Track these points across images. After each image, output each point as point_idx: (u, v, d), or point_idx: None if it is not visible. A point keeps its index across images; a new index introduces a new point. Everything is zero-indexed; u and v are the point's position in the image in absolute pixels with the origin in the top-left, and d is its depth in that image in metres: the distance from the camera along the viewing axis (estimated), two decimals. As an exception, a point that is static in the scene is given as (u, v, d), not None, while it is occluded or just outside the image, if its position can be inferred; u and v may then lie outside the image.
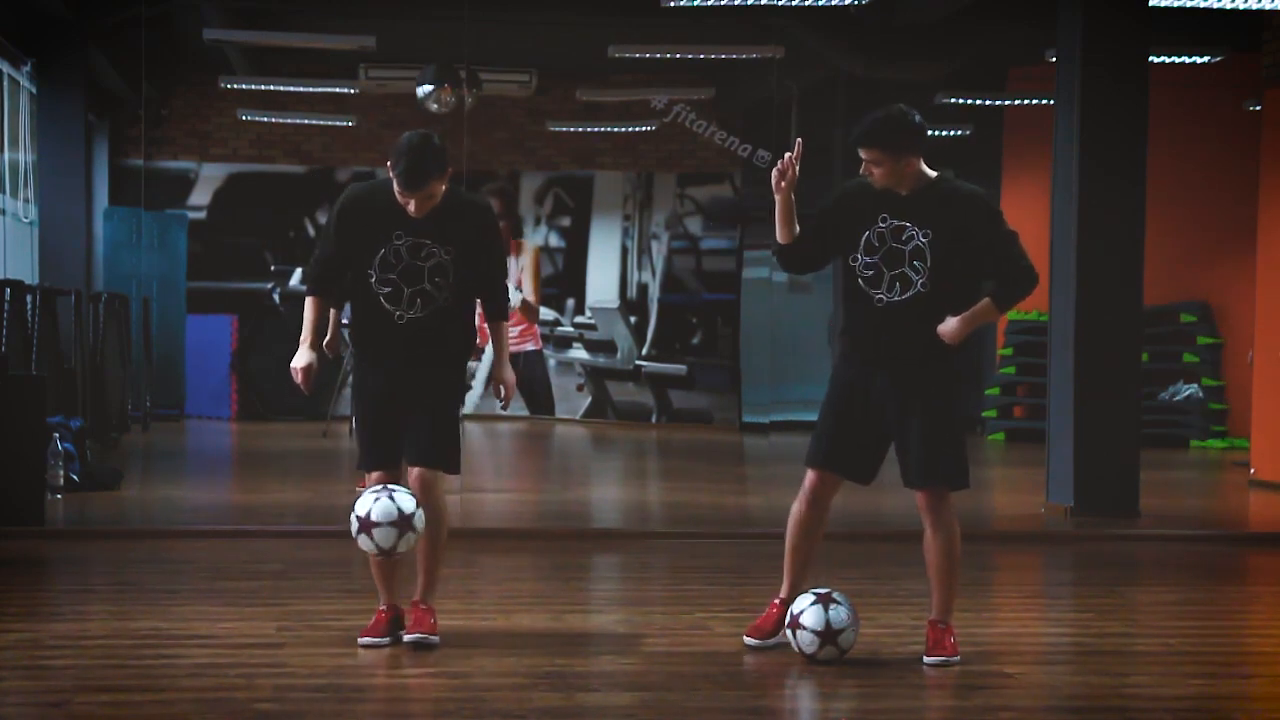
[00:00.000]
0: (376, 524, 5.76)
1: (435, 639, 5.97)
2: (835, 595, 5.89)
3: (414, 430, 6.01)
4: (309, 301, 6.13)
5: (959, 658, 5.90)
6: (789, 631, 5.89)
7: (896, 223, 5.99)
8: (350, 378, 15.23)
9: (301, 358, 6.08)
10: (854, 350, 6.10)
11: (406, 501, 5.80)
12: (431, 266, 5.95)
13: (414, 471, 6.01)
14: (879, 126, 5.91)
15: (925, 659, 5.91)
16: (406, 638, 5.96)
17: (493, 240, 6.12)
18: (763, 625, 6.17)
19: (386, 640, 5.99)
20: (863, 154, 5.94)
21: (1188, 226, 17.04)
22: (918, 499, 6.02)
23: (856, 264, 6.03)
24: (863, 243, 6.01)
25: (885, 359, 6.01)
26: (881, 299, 6.00)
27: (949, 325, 5.92)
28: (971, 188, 6.07)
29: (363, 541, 5.82)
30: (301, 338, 6.10)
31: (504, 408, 6.10)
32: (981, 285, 6.05)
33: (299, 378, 6.07)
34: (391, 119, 18.93)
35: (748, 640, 6.17)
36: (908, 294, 5.97)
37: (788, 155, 5.98)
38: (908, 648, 6.14)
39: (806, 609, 5.84)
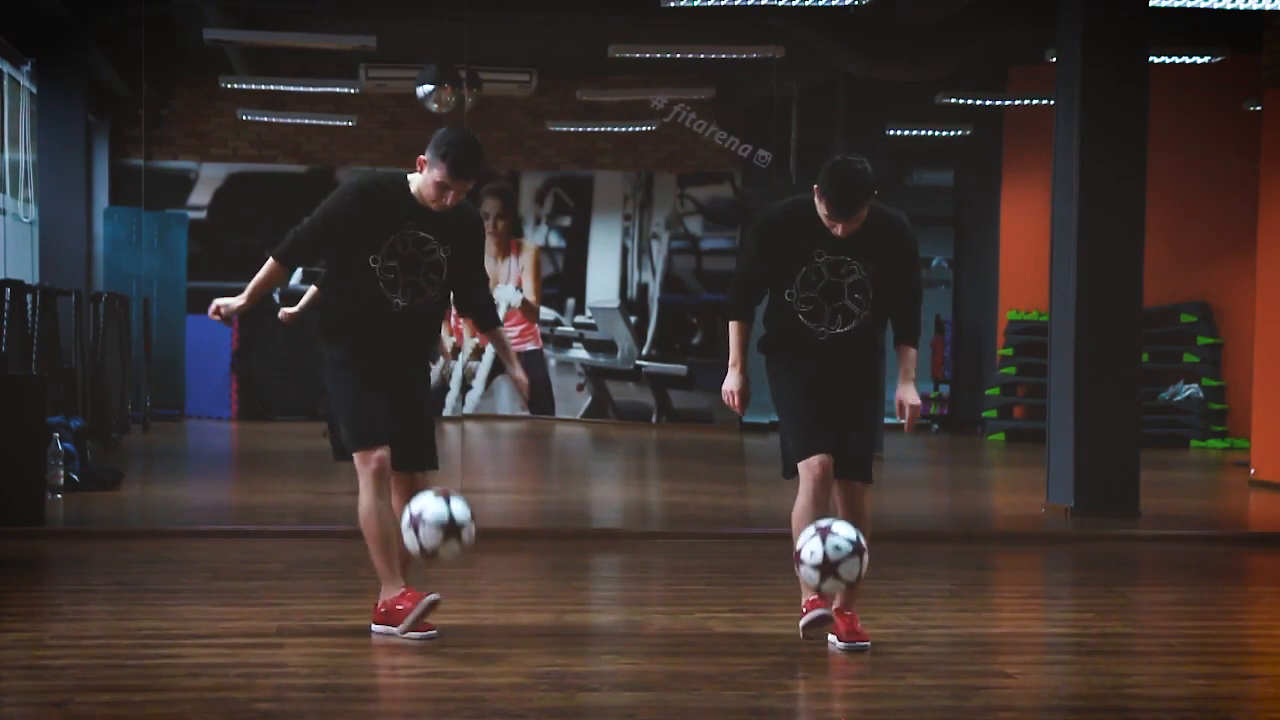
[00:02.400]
0: (425, 522, 5.83)
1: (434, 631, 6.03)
2: (835, 526, 5.87)
3: (406, 432, 6.12)
4: (271, 265, 6.31)
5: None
6: (796, 568, 5.89)
7: (834, 257, 6.00)
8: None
9: (235, 300, 6.28)
10: (795, 364, 6.14)
11: (461, 509, 5.85)
12: (430, 262, 6.12)
13: (410, 475, 6.11)
14: (862, 193, 5.87)
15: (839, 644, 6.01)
16: (417, 635, 5.98)
17: (482, 249, 6.43)
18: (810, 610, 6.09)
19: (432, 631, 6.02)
20: (847, 220, 5.90)
21: (1188, 226, 17.04)
22: (850, 488, 6.11)
23: (792, 299, 6.05)
24: (799, 279, 6.02)
25: (836, 377, 6.11)
26: (824, 332, 6.05)
27: (912, 394, 6.08)
28: (901, 215, 6.13)
29: (408, 538, 5.88)
30: (247, 289, 6.28)
31: (525, 405, 6.24)
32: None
33: (218, 311, 6.24)
34: (391, 119, 18.94)
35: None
36: (850, 325, 6.05)
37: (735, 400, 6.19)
38: (908, 648, 6.14)
39: (806, 543, 5.85)
